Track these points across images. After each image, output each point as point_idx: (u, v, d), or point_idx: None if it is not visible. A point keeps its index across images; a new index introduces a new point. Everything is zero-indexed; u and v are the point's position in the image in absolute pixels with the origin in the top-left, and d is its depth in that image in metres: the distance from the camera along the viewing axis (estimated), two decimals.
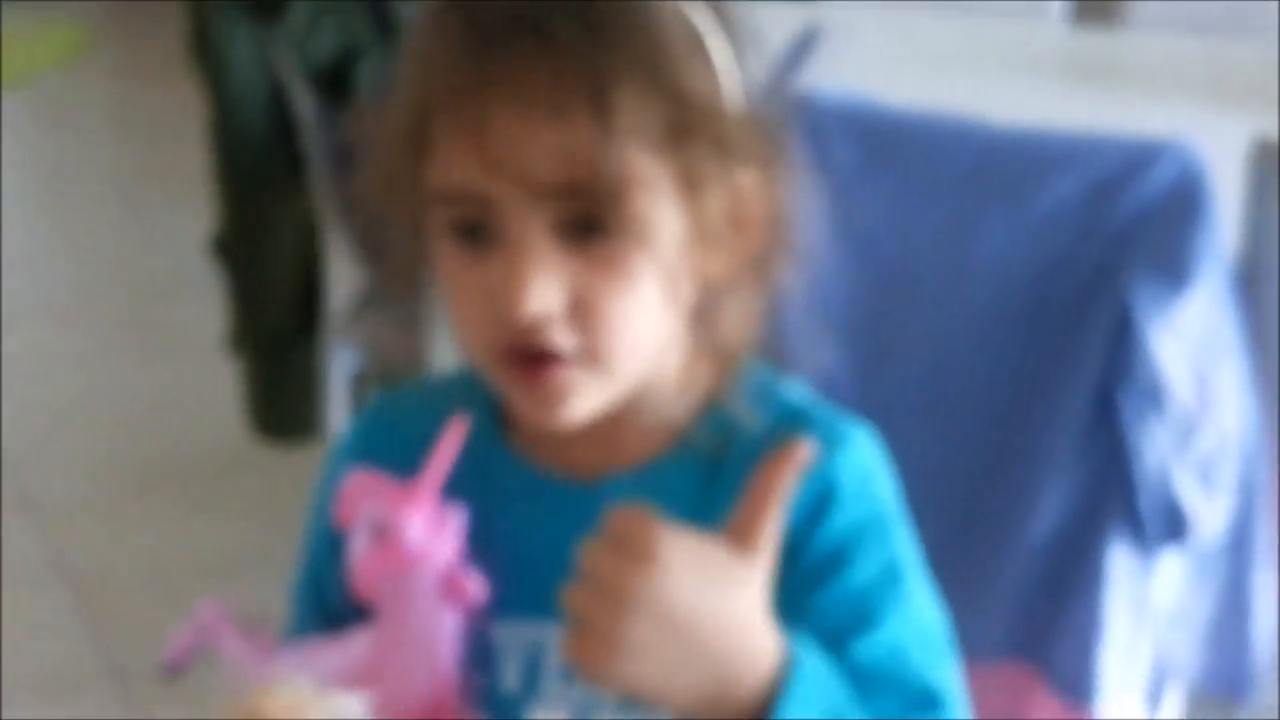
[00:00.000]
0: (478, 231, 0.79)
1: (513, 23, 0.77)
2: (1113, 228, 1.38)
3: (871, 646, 0.82)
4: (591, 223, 0.78)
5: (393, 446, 0.89)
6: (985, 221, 1.41)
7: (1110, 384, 1.40)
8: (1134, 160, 1.38)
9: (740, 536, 0.74)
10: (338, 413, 2.02)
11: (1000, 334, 1.44)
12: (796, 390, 0.90)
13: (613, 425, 0.85)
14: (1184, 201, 1.37)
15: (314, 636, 0.90)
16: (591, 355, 0.79)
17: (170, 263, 3.36)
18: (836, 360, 1.49)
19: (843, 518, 0.83)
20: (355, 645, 0.85)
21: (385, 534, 0.82)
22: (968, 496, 1.49)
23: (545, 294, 0.77)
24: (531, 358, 0.79)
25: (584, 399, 0.81)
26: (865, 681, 0.79)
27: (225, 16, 1.83)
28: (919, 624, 0.85)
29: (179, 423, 2.72)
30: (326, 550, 0.90)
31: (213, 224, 2.12)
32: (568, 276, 0.78)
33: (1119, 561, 1.42)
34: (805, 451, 0.75)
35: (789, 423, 0.86)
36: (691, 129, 0.78)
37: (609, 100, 0.76)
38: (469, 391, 0.89)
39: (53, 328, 3.10)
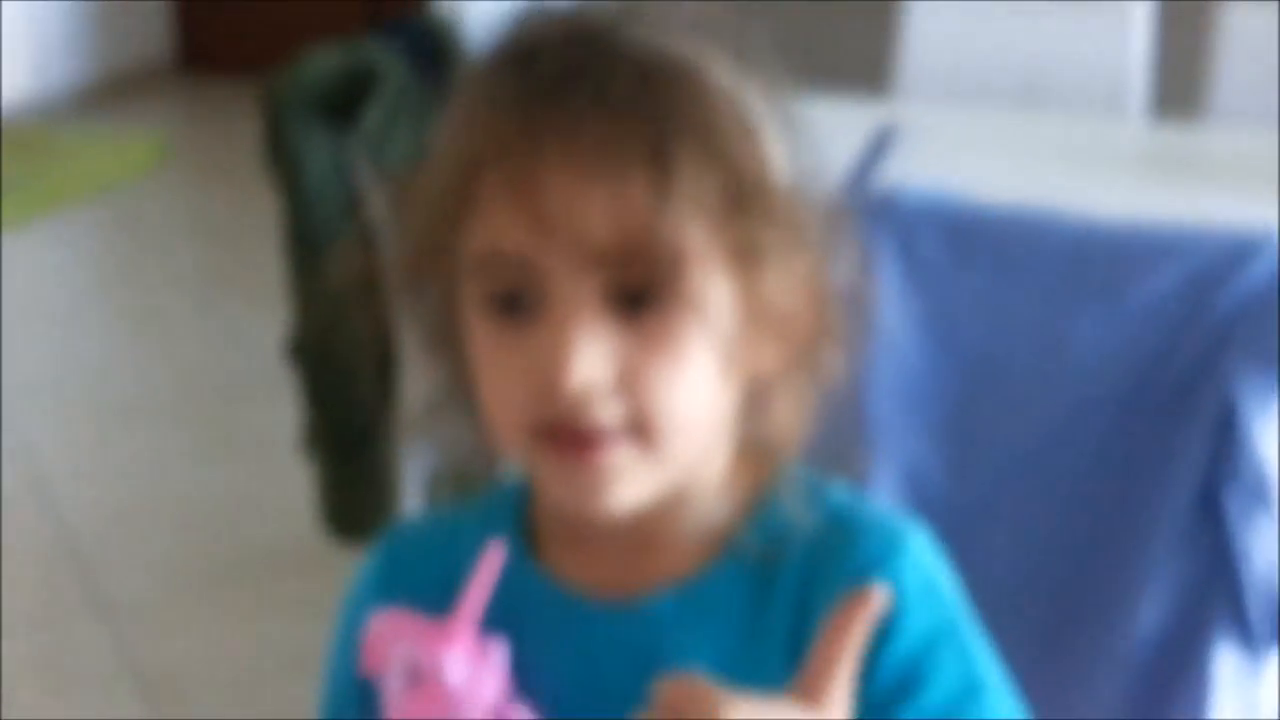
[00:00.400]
0: (517, 302, 0.74)
1: (569, 76, 0.73)
2: (1212, 321, 1.35)
3: None
4: (642, 293, 0.73)
5: (413, 584, 0.84)
6: (1081, 315, 1.38)
7: (1213, 481, 1.36)
8: (1232, 253, 1.35)
9: (812, 691, 0.70)
10: (411, 511, 2.01)
11: (1097, 430, 1.40)
12: (840, 490, 0.84)
13: (651, 533, 0.80)
14: None
15: None
16: (641, 433, 0.74)
17: (245, 365, 3.39)
18: (926, 457, 1.47)
19: (912, 630, 0.78)
20: None
21: (423, 675, 0.76)
22: (1064, 599, 1.45)
23: (593, 364, 0.72)
24: (576, 439, 0.74)
25: (632, 483, 0.75)
26: None
27: (300, 121, 1.84)
28: None
29: (252, 523, 2.73)
30: (352, 700, 0.85)
31: (287, 326, 2.12)
32: (616, 349, 0.73)
33: (1226, 665, 1.37)
34: (881, 598, 0.71)
35: (840, 525, 0.81)
36: (746, 203, 0.74)
37: (669, 161, 0.71)
38: (489, 514, 0.85)
39: (128, 429, 3.13)
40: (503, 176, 0.73)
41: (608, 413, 0.73)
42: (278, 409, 3.07)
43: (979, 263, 1.39)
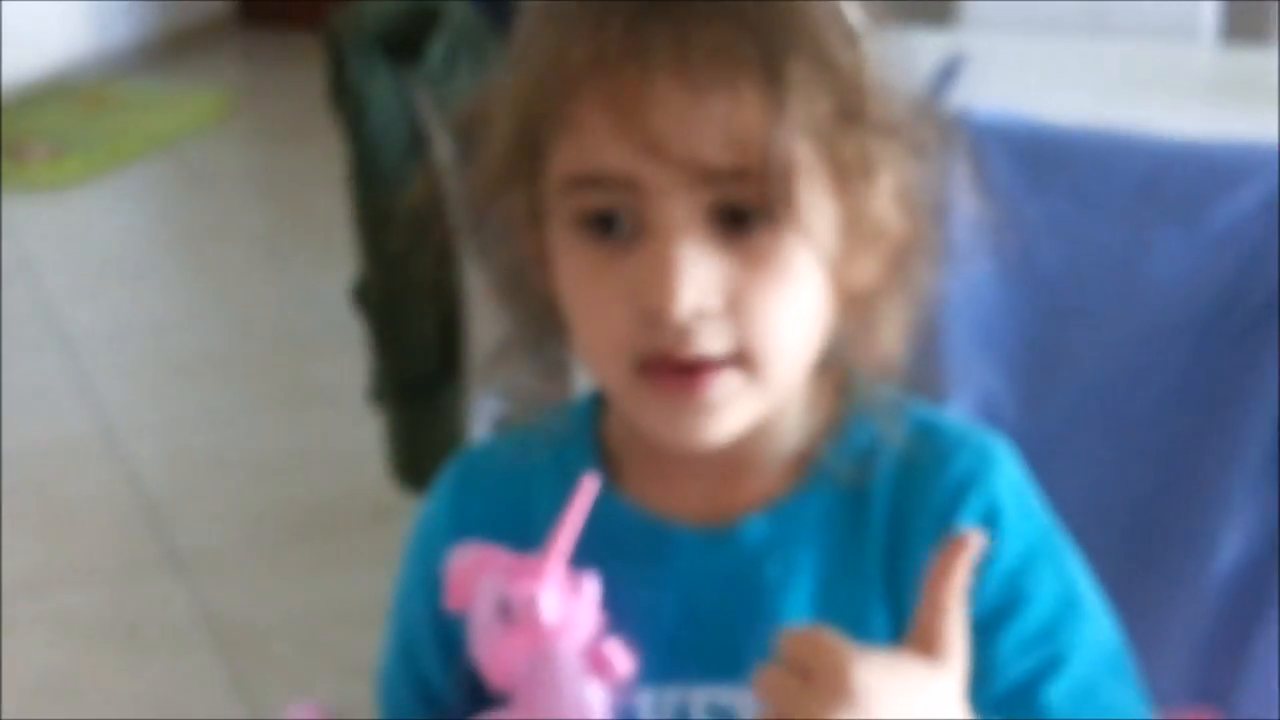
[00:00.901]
0: (614, 224, 0.72)
1: None
2: None
3: (1066, 691, 0.77)
4: (748, 213, 0.71)
5: (485, 508, 0.83)
6: (1158, 239, 1.35)
7: None
8: None
9: (928, 643, 0.69)
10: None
11: (1175, 357, 1.38)
12: (920, 406, 0.83)
13: (739, 459, 0.79)
14: None
15: None
16: (748, 360, 0.72)
17: (312, 317, 3.41)
18: (998, 388, 1.45)
19: (1011, 546, 0.78)
20: None
21: (515, 613, 0.75)
22: (1141, 531, 1.42)
23: (701, 288, 0.70)
24: (682, 369, 0.72)
25: (736, 412, 0.74)
26: None
27: (364, 60, 1.84)
28: (1104, 649, 0.80)
29: (322, 474, 2.74)
30: (427, 635, 0.84)
31: (354, 274, 2.12)
32: (722, 273, 0.71)
33: None
34: (979, 540, 0.69)
35: (929, 441, 0.80)
36: (853, 115, 0.72)
37: (782, 73, 0.69)
38: (560, 438, 0.84)
39: (197, 382, 3.16)
40: (605, 92, 0.70)
41: (715, 341, 0.71)
42: (347, 361, 3.09)
43: (1054, 187, 1.37)
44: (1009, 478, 0.80)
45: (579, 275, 0.74)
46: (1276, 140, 1.35)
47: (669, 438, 0.75)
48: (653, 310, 0.70)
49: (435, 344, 2.00)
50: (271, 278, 3.69)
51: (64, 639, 2.28)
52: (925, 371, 0.83)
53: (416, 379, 2.07)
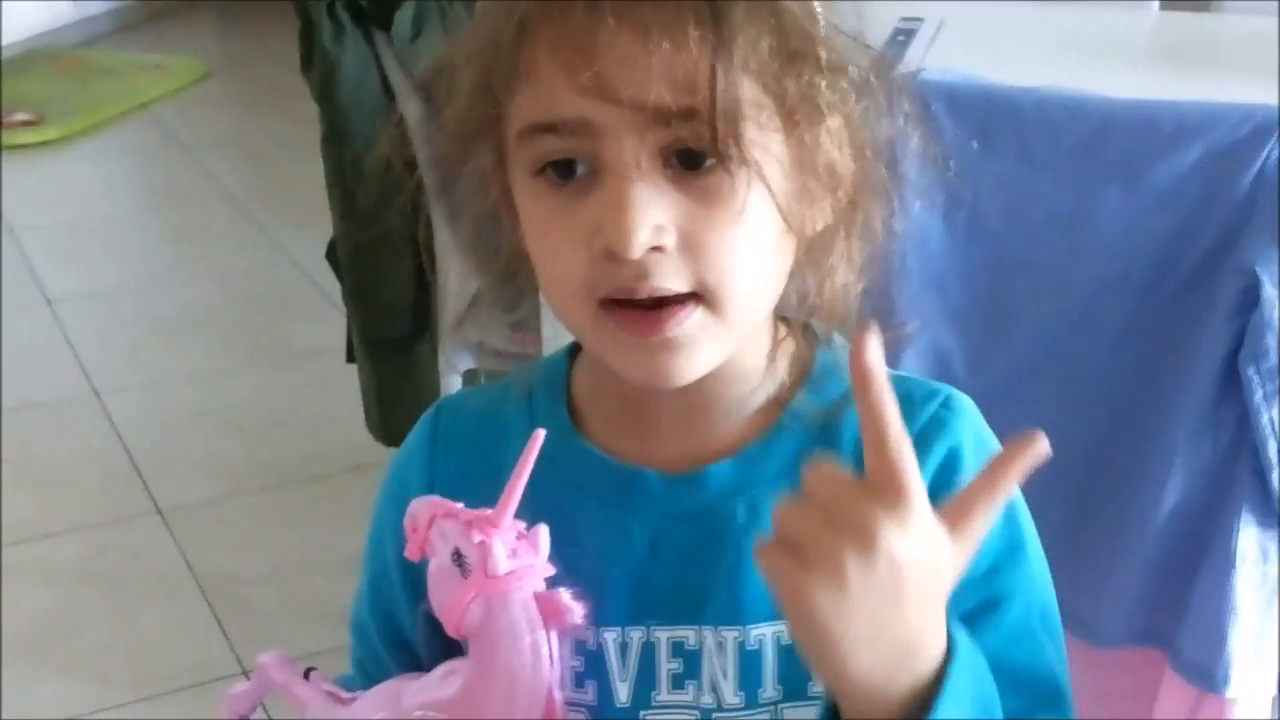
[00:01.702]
0: (571, 170, 0.73)
1: None
2: (1233, 200, 1.34)
3: (1002, 633, 0.78)
4: (699, 154, 0.72)
5: (459, 453, 0.84)
6: (1103, 195, 1.38)
7: (1236, 360, 1.36)
8: (1252, 132, 1.34)
9: (958, 523, 0.66)
10: None
11: (1119, 312, 1.41)
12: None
13: (705, 405, 0.80)
14: None
15: (393, 670, 0.86)
16: (707, 295, 0.73)
17: (292, 278, 3.44)
18: (948, 341, 1.48)
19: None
20: (443, 682, 0.79)
21: (469, 562, 0.76)
22: (1090, 479, 1.45)
23: (656, 225, 0.71)
24: (643, 309, 0.73)
25: (700, 348, 0.74)
26: (996, 671, 0.73)
27: (334, 24, 1.86)
28: (1041, 599, 0.81)
29: (303, 430, 2.78)
30: (397, 580, 0.85)
31: (330, 235, 2.15)
32: (677, 210, 0.72)
33: (1249, 543, 1.38)
34: (1044, 444, 0.66)
35: (895, 390, 0.82)
36: (798, 55, 0.73)
37: (725, 15, 0.70)
38: (533, 389, 0.84)
39: (179, 343, 3.19)
40: (556, 39, 0.71)
41: (673, 278, 0.72)
42: (324, 320, 3.13)
43: (1002, 147, 1.39)
44: (972, 426, 0.80)
45: (540, 220, 0.75)
46: (1216, 101, 1.38)
47: (636, 376, 0.75)
48: (610, 248, 0.71)
49: (408, 301, 2.02)
50: (250, 240, 3.71)
51: (52, 589, 2.32)
52: (881, 324, 0.85)
53: (389, 336, 2.10)
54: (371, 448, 2.22)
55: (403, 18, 1.86)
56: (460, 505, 0.77)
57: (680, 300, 0.73)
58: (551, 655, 0.76)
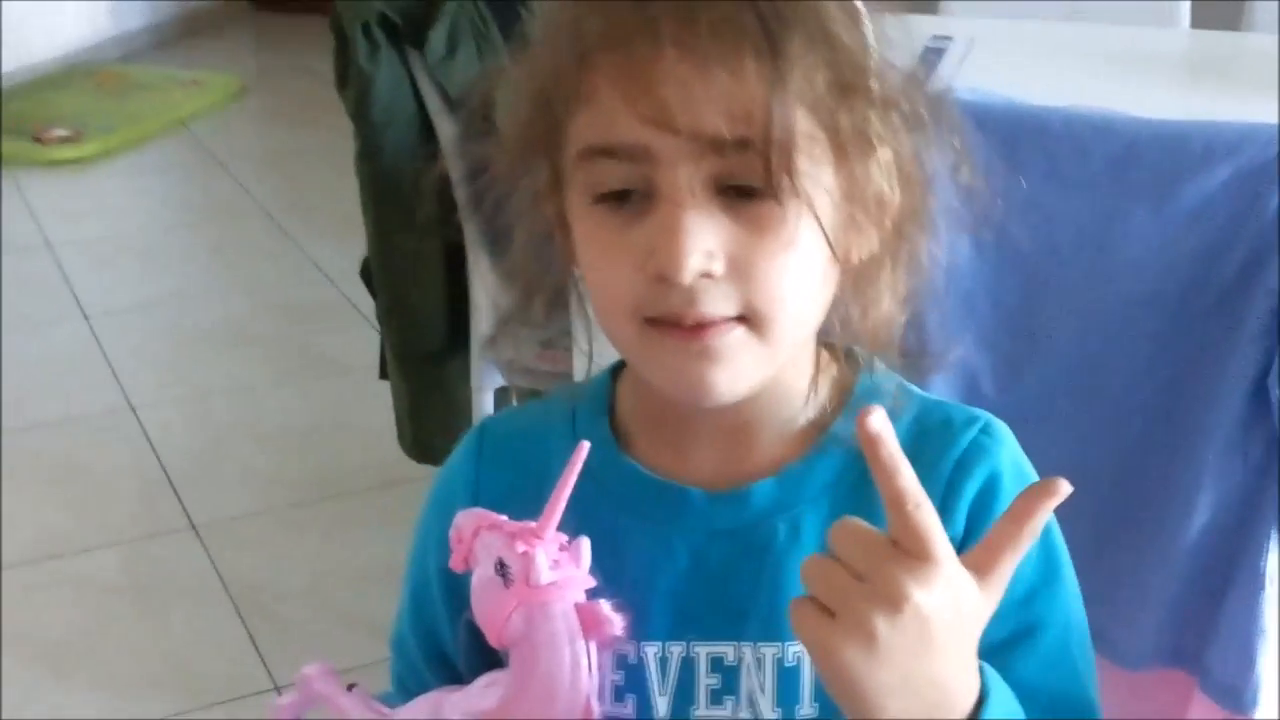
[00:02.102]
0: (627, 195, 0.74)
1: None
2: (1264, 218, 1.34)
3: (1039, 658, 0.79)
4: (751, 184, 0.73)
5: (503, 471, 0.86)
6: (1132, 215, 1.38)
7: (1265, 380, 1.36)
8: None
9: (984, 569, 0.68)
10: None
11: (1150, 330, 1.41)
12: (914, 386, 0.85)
13: (747, 426, 0.81)
14: None
15: (433, 685, 0.86)
16: (753, 318, 0.74)
17: (325, 293, 3.46)
18: (978, 360, 1.48)
19: None
20: (484, 693, 0.80)
21: (512, 573, 0.77)
22: (1119, 500, 1.45)
23: (706, 248, 0.72)
24: (688, 326, 0.74)
25: (741, 368, 0.75)
26: (1032, 697, 0.75)
27: (369, 42, 1.88)
28: (1074, 622, 0.82)
29: (336, 443, 2.79)
30: (438, 594, 0.86)
31: (364, 250, 2.17)
32: (727, 237, 0.73)
33: (1277, 563, 1.38)
34: (1066, 489, 0.68)
35: (933, 415, 0.82)
36: (851, 87, 0.74)
37: (782, 46, 0.72)
38: (577, 407, 0.86)
39: (212, 355, 3.21)
40: (617, 66, 0.72)
41: (721, 303, 0.73)
42: (356, 335, 3.15)
43: (1031, 166, 1.39)
44: (1010, 453, 0.81)
45: (594, 241, 0.76)
46: (1244, 121, 1.38)
47: (678, 390, 0.76)
48: (661, 272, 0.72)
49: (441, 318, 2.04)
50: (284, 254, 3.73)
51: (87, 602, 2.33)
52: (914, 346, 0.84)
53: (422, 352, 2.11)
54: (404, 463, 2.23)
55: (437, 36, 1.87)
56: (504, 518, 0.78)
57: (725, 320, 0.74)
58: (591, 666, 0.77)
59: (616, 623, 0.77)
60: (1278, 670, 1.38)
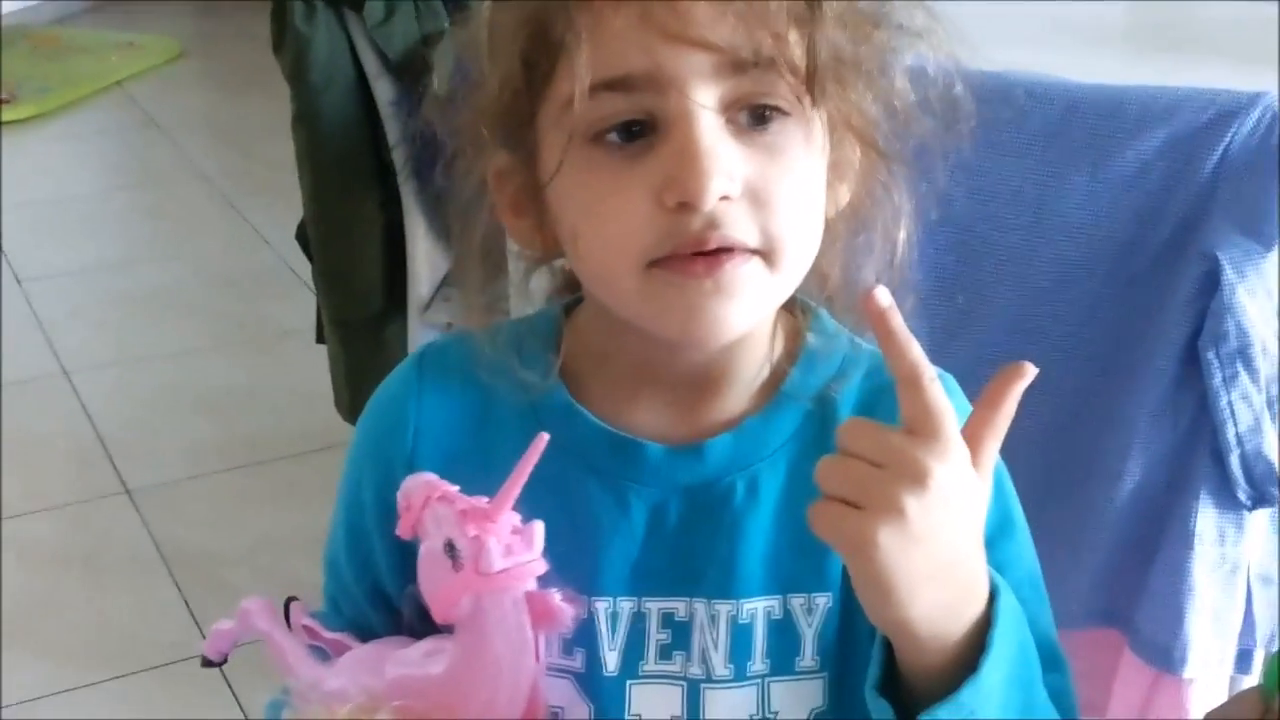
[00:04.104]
0: (631, 132, 0.72)
1: None
2: (1196, 184, 1.35)
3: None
4: (764, 109, 0.73)
5: (444, 402, 0.84)
6: (1068, 180, 1.38)
7: (1198, 342, 1.37)
8: (1216, 116, 1.35)
9: (974, 454, 0.69)
10: None
11: (1083, 296, 1.41)
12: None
13: (709, 378, 0.80)
14: (1271, 154, 1.33)
15: (368, 611, 0.86)
16: (768, 250, 0.73)
17: (264, 258, 3.44)
18: (913, 324, 1.49)
19: None
20: (426, 661, 0.79)
21: (462, 556, 0.75)
22: (1052, 461, 1.46)
23: (728, 173, 0.71)
24: (697, 256, 0.72)
25: (754, 300, 0.74)
26: None
27: (306, 5, 1.86)
28: (1031, 572, 0.83)
29: (275, 409, 2.78)
30: (374, 524, 0.85)
31: (301, 212, 2.15)
32: (742, 162, 0.72)
33: (1207, 525, 1.39)
34: (1033, 369, 0.70)
35: (884, 372, 0.79)
36: (855, 20, 0.75)
37: None
38: (521, 345, 0.83)
39: (151, 322, 3.18)
40: None
41: (741, 228, 0.72)
42: (296, 300, 3.13)
43: (965, 130, 1.39)
44: (962, 406, 0.80)
45: (597, 185, 0.73)
46: (1180, 86, 1.38)
47: (687, 330, 0.74)
48: (684, 198, 0.71)
49: (377, 282, 2.02)
50: (222, 219, 3.70)
51: (22, 569, 2.32)
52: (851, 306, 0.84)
53: (359, 316, 2.09)
54: (343, 427, 2.22)
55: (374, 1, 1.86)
56: (456, 490, 0.77)
57: (743, 250, 0.73)
58: (538, 654, 0.77)
59: (567, 614, 0.76)
60: (1208, 630, 1.40)
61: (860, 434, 0.68)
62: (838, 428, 0.69)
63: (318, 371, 2.29)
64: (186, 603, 2.22)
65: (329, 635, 0.84)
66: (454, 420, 0.83)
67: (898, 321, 0.68)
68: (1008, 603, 0.71)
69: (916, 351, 0.68)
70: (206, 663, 0.87)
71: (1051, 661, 0.81)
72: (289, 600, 0.86)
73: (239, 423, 2.73)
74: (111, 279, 3.40)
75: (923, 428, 0.67)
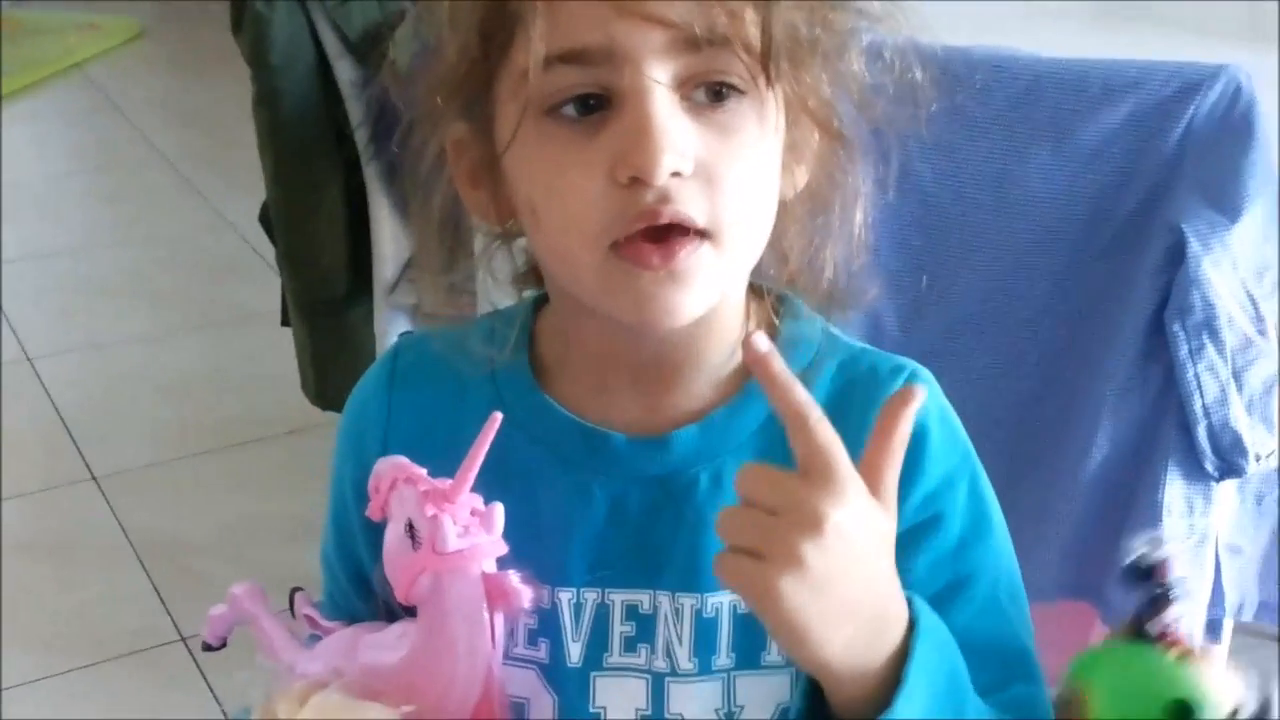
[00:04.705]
0: (586, 105, 0.72)
1: None
2: (1162, 155, 1.36)
3: (972, 608, 0.79)
4: (719, 87, 0.73)
5: (417, 398, 0.85)
6: (1033, 154, 1.38)
7: (1164, 314, 1.38)
8: (1180, 88, 1.35)
9: (874, 486, 0.69)
10: None
11: (1051, 268, 1.42)
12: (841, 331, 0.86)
13: (675, 369, 0.80)
14: (1235, 126, 1.34)
15: (359, 607, 0.86)
16: (716, 231, 0.73)
17: (228, 241, 3.42)
18: (881, 301, 1.49)
19: (936, 465, 0.80)
20: (394, 644, 0.80)
21: (420, 535, 0.76)
22: (1021, 435, 1.47)
23: (679, 149, 0.71)
24: (660, 234, 0.72)
25: (706, 285, 0.74)
26: (967, 646, 0.75)
27: None
28: (1007, 570, 0.83)
29: (242, 393, 2.77)
30: (355, 519, 0.85)
31: (264, 195, 2.13)
32: (695, 139, 0.72)
33: (1175, 496, 1.40)
34: (920, 395, 0.69)
35: (858, 360, 0.83)
36: (815, 7, 0.75)
37: None
38: (497, 335, 0.84)
39: (115, 306, 3.16)
40: None
41: (691, 204, 0.72)
42: (261, 284, 3.10)
43: (924, 114, 1.39)
44: (936, 403, 0.81)
45: (552, 159, 0.73)
46: (1143, 60, 1.38)
47: (642, 316, 0.75)
48: (636, 173, 0.71)
49: (342, 265, 2.01)
50: (185, 202, 3.68)
51: None
52: (829, 287, 0.84)
53: (324, 299, 2.08)
54: (310, 411, 2.21)
55: None
56: (423, 472, 0.77)
57: (692, 232, 0.73)
58: (494, 636, 0.77)
59: (525, 595, 0.76)
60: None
61: (755, 481, 0.68)
62: (735, 473, 0.68)
63: (283, 355, 2.28)
64: (156, 589, 2.21)
65: (326, 624, 0.85)
66: (426, 413, 0.83)
67: (778, 365, 0.68)
68: (928, 630, 0.71)
69: (800, 393, 0.68)
70: (206, 647, 0.89)
71: (1024, 672, 0.81)
72: (294, 590, 0.87)
73: (205, 407, 2.72)
74: (73, 263, 3.38)
75: (815, 470, 0.67)
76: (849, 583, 0.67)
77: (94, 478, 2.51)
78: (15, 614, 2.18)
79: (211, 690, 1.99)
